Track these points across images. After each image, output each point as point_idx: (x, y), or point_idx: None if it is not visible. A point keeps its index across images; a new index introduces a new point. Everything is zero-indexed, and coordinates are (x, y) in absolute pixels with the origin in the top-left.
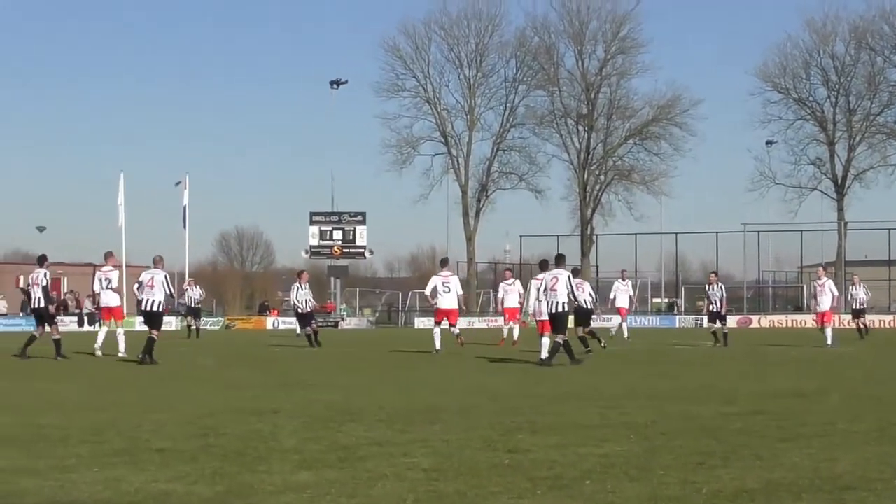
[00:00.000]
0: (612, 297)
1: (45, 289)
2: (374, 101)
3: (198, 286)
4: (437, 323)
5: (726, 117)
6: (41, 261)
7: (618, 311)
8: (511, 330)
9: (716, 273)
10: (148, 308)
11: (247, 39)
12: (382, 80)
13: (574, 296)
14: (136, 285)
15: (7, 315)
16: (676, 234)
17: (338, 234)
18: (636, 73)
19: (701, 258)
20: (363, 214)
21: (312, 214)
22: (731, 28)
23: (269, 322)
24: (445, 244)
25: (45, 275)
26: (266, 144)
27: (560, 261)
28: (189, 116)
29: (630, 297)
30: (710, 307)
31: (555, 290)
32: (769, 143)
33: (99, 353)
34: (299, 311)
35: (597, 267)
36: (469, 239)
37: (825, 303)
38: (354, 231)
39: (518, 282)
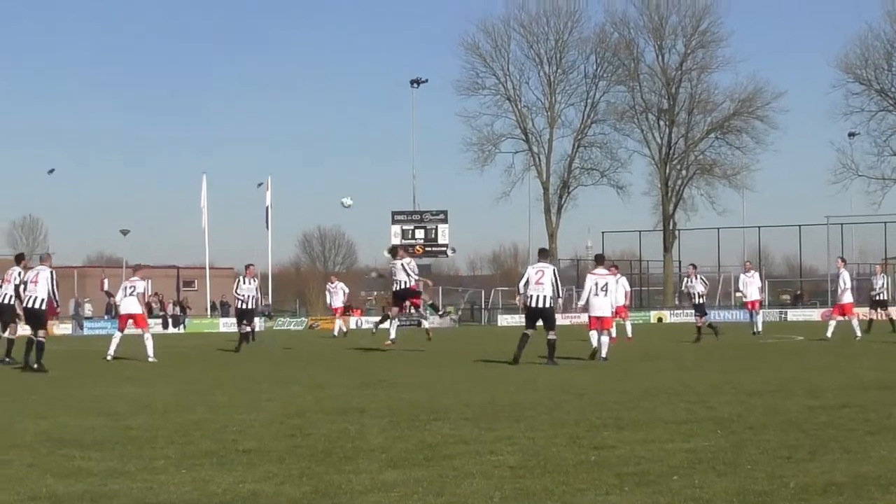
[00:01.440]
0: (740, 291)
1: (17, 287)
2: (455, 99)
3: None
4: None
5: (808, 109)
6: (18, 259)
7: (745, 304)
8: (623, 326)
9: (694, 265)
10: (31, 305)
11: (327, 40)
12: (462, 78)
13: (559, 291)
14: (22, 285)
15: (92, 318)
16: (759, 227)
17: (420, 233)
18: (717, 66)
19: (784, 252)
20: (445, 213)
21: (394, 213)
22: (812, 20)
23: (353, 322)
24: (527, 241)
25: (20, 273)
26: (347, 144)
27: (544, 255)
28: (270, 118)
29: (758, 288)
30: (694, 300)
31: (541, 284)
32: (851, 134)
33: (109, 358)
34: (241, 306)
35: (679, 262)
36: (551, 236)
37: (840, 294)
38: (436, 230)
39: (623, 279)
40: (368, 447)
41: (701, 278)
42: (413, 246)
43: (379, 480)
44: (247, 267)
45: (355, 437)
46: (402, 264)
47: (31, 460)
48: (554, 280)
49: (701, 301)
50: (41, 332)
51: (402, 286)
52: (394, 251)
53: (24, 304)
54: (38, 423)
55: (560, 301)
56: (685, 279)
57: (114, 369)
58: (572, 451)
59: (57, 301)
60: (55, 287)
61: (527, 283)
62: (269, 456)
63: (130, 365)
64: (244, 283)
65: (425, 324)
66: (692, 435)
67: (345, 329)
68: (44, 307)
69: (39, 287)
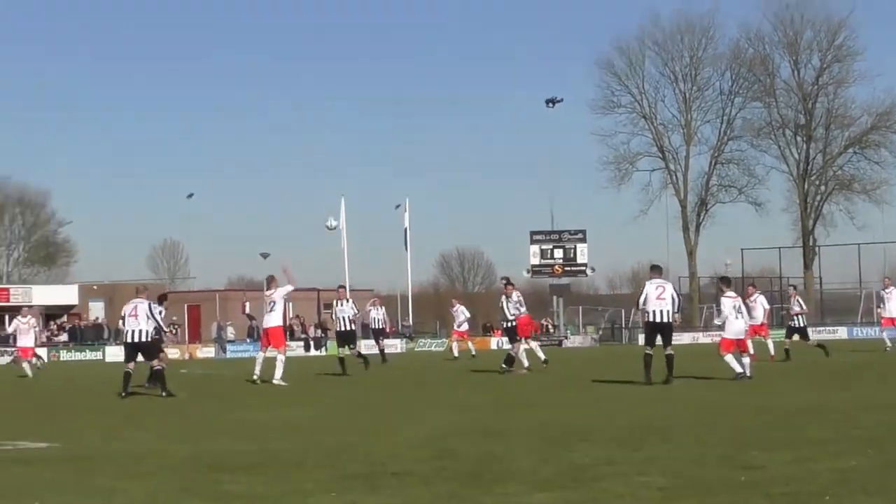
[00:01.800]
0: (880, 307)
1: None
2: (591, 118)
3: (382, 307)
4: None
5: None
6: (161, 300)
7: (883, 321)
8: (765, 344)
9: (794, 286)
10: (135, 339)
11: (463, 62)
12: (598, 97)
13: (679, 306)
14: (121, 321)
15: (235, 341)
16: None
17: (558, 253)
18: (853, 81)
19: None
20: (583, 232)
21: (532, 233)
22: None
23: (493, 342)
24: (666, 260)
25: (152, 306)
26: (483, 164)
27: (658, 271)
28: (407, 139)
29: None
30: (792, 322)
31: (663, 299)
32: None
33: (255, 378)
34: (339, 328)
35: (820, 278)
36: (690, 253)
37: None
38: (575, 249)
39: (762, 296)
40: (516, 469)
41: (797, 299)
42: (552, 266)
43: (529, 503)
44: (337, 289)
45: (502, 458)
46: (504, 301)
47: (181, 484)
48: (675, 296)
49: (795, 324)
50: (156, 362)
51: (507, 325)
52: (506, 281)
53: (130, 340)
54: (185, 446)
55: (678, 317)
56: (791, 300)
57: (256, 392)
58: (721, 471)
59: (164, 329)
60: (157, 316)
61: (646, 299)
62: (417, 478)
63: (272, 388)
64: (337, 305)
65: (538, 352)
66: (841, 454)
67: (455, 353)
68: (149, 339)
69: (140, 320)
